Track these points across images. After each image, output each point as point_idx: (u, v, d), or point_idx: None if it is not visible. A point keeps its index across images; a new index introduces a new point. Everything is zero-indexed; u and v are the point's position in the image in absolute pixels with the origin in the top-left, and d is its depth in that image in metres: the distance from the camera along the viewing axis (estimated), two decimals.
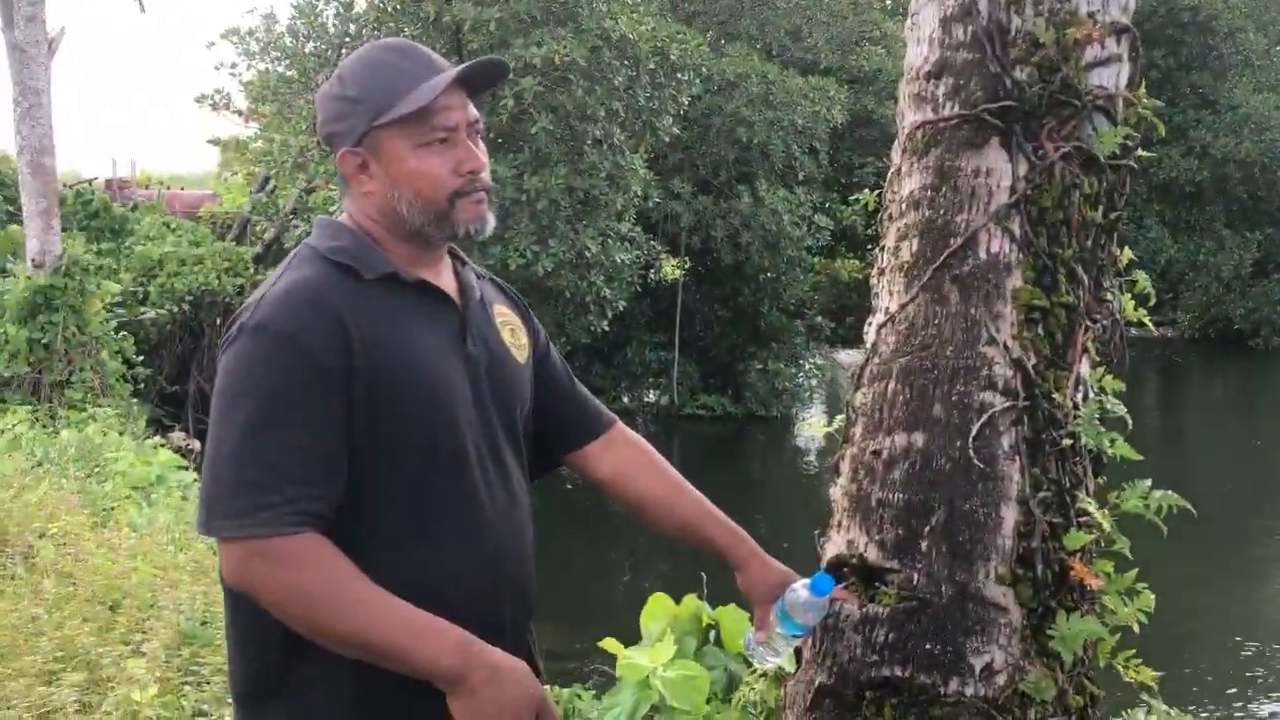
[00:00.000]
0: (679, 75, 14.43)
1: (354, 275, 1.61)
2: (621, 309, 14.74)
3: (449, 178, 1.64)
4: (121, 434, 9.03)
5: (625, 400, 18.09)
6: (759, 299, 18.64)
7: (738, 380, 18.56)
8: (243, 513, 1.47)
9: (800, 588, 1.86)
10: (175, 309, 13.78)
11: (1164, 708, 2.07)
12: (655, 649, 2.99)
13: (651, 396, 18.81)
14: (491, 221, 1.70)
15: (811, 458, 15.07)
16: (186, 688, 3.46)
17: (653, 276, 16.12)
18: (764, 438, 17.38)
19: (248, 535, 1.47)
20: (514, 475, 1.73)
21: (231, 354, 1.55)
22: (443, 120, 1.63)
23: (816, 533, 2.23)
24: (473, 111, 1.68)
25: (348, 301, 1.57)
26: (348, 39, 14.65)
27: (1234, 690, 7.83)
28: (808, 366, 19.46)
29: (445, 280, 1.72)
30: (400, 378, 1.57)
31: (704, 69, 15.41)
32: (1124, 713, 2.08)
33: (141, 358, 12.23)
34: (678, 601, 3.21)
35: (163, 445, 9.08)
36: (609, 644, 3.13)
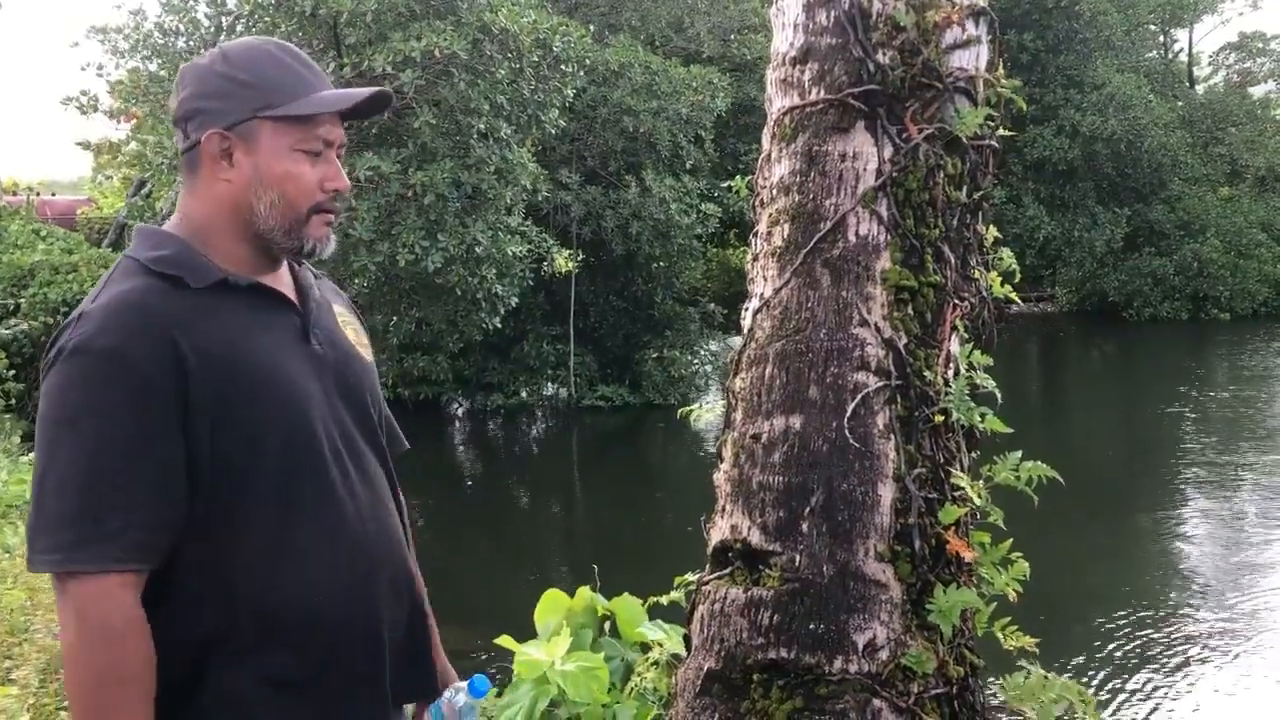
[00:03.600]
0: (563, 68, 14.36)
1: (181, 285, 1.53)
2: (514, 304, 14.62)
3: (314, 189, 1.59)
4: None
5: (524, 394, 17.99)
6: (652, 288, 18.72)
7: (634, 370, 18.61)
8: (63, 546, 1.41)
9: (459, 693, 1.80)
10: (50, 320, 13.22)
11: (1041, 671, 2.13)
12: (551, 643, 2.97)
13: (550, 390, 18.74)
14: (333, 244, 1.66)
15: (710, 443, 15.20)
16: (63, 714, 3.32)
17: (546, 269, 16.02)
18: (663, 426, 17.45)
19: (67, 570, 1.41)
20: (375, 472, 1.69)
21: (52, 378, 1.46)
22: (325, 132, 1.59)
23: (702, 518, 2.24)
24: (342, 135, 1.65)
25: (176, 313, 1.49)
26: (221, 35, 14.23)
27: (1111, 653, 8.13)
28: (702, 353, 19.61)
29: (282, 282, 1.66)
30: (244, 385, 1.51)
31: (588, 60, 15.37)
32: (1003, 678, 2.14)
33: (14, 372, 11.73)
34: (574, 595, 3.20)
35: None
36: (505, 641, 3.10)
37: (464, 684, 1.81)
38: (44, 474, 1.44)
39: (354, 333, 1.76)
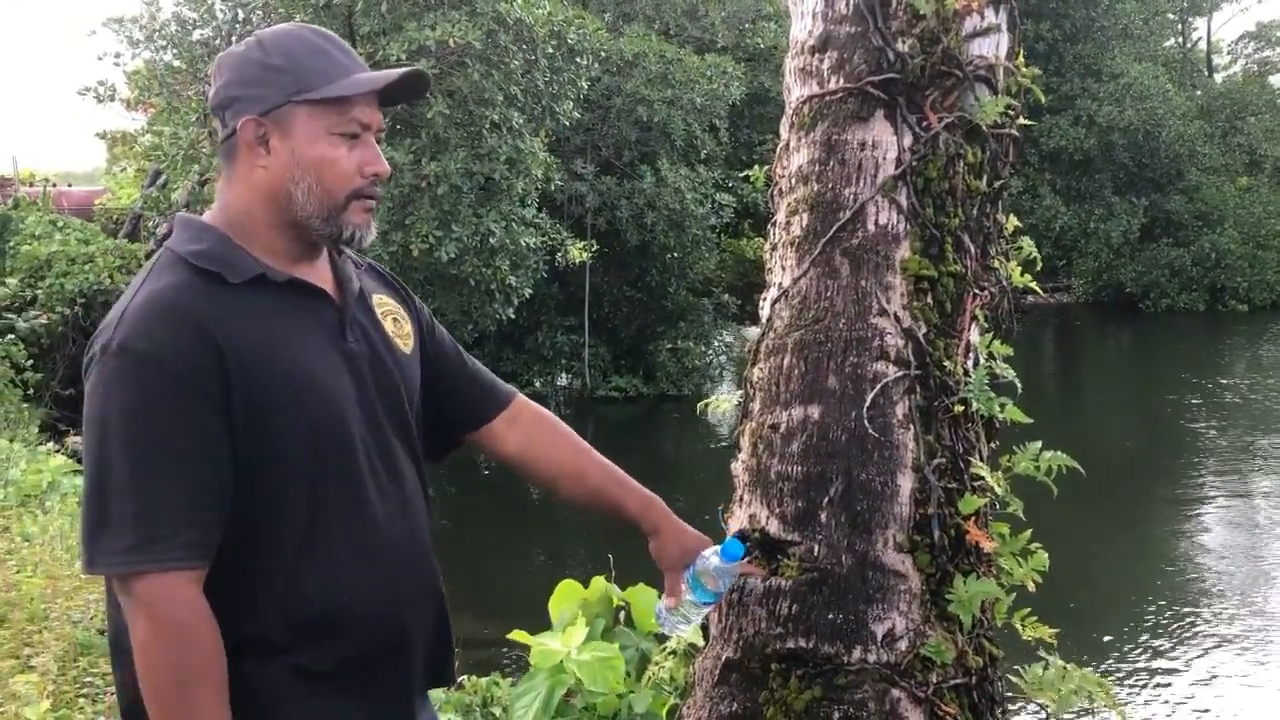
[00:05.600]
0: (577, 59, 14.35)
1: (219, 280, 1.53)
2: (528, 295, 14.65)
3: (353, 174, 1.58)
4: (12, 441, 8.70)
5: (537, 385, 18.02)
6: (666, 278, 18.70)
7: (648, 360, 18.61)
8: (127, 548, 1.42)
9: (711, 554, 1.86)
10: (66, 311, 13.29)
11: (1061, 663, 2.12)
12: (567, 633, 2.98)
13: (564, 380, 18.76)
14: (374, 232, 1.65)
15: (724, 434, 15.18)
16: (81, 700, 3.34)
17: (560, 260, 16.03)
18: (677, 416, 17.46)
19: (134, 571, 1.43)
20: (406, 473, 1.67)
21: (95, 378, 1.47)
22: (360, 115, 1.57)
23: (720, 508, 2.23)
24: (381, 120, 1.63)
25: (213, 310, 1.49)
26: (237, 26, 14.26)
27: (1130, 644, 8.11)
28: (716, 344, 19.61)
29: (321, 274, 1.65)
30: (278, 383, 1.51)
31: (602, 51, 15.36)
32: (1022, 669, 2.13)
33: (32, 362, 11.81)
34: (589, 585, 3.20)
35: (58, 450, 8.79)
36: (518, 635, 3.10)
37: (717, 547, 1.86)
38: (97, 477, 1.45)
39: (394, 323, 1.74)
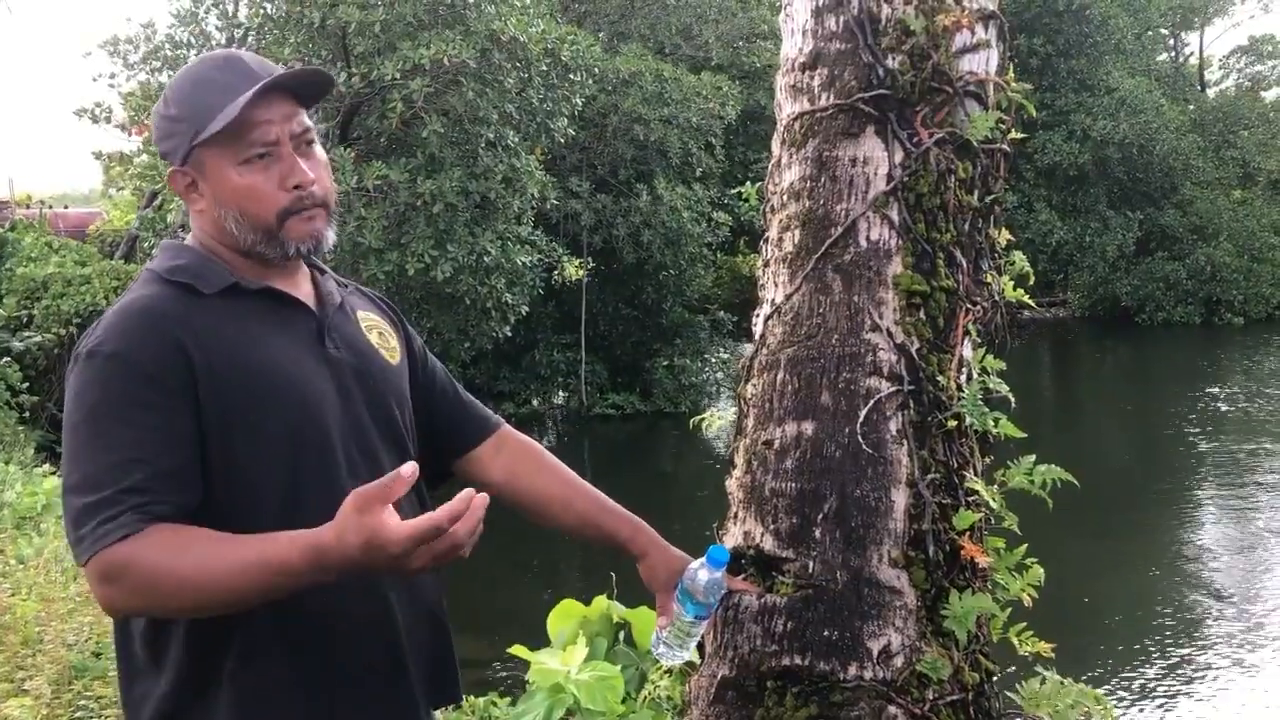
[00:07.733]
0: (572, 77, 14.39)
1: (193, 292, 1.56)
2: (525, 313, 14.65)
3: (276, 194, 1.57)
4: (7, 463, 8.69)
5: (535, 403, 18.02)
6: (662, 296, 18.72)
7: (645, 378, 18.62)
8: (93, 534, 1.42)
9: (698, 566, 1.86)
10: (63, 332, 13.29)
11: (1057, 677, 2.12)
12: (567, 652, 2.97)
13: (561, 398, 18.77)
14: (329, 239, 1.63)
15: (721, 450, 15.17)
16: None
17: (556, 278, 16.06)
18: (675, 433, 17.45)
19: (97, 550, 1.41)
20: None
21: (69, 383, 1.52)
22: (260, 135, 1.55)
23: (715, 525, 2.23)
24: (301, 121, 1.60)
25: (184, 317, 1.52)
26: (233, 47, 14.30)
27: (1127, 657, 8.09)
28: (713, 361, 19.62)
29: (301, 289, 1.67)
30: (254, 385, 1.53)
31: (597, 69, 15.40)
32: (1019, 684, 2.12)
33: (28, 384, 11.79)
34: (589, 604, 3.20)
35: (54, 473, 8.76)
36: (518, 650, 3.10)
37: (701, 560, 1.85)
38: (66, 474, 1.48)
39: (379, 336, 1.76)
